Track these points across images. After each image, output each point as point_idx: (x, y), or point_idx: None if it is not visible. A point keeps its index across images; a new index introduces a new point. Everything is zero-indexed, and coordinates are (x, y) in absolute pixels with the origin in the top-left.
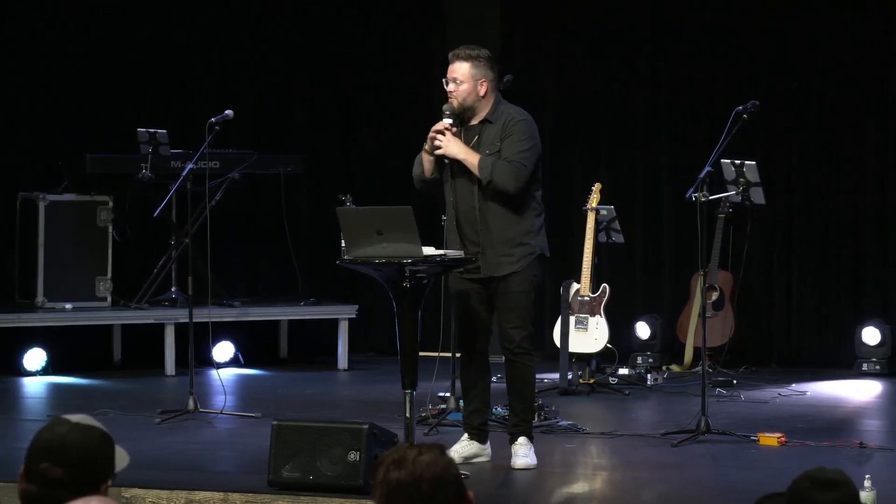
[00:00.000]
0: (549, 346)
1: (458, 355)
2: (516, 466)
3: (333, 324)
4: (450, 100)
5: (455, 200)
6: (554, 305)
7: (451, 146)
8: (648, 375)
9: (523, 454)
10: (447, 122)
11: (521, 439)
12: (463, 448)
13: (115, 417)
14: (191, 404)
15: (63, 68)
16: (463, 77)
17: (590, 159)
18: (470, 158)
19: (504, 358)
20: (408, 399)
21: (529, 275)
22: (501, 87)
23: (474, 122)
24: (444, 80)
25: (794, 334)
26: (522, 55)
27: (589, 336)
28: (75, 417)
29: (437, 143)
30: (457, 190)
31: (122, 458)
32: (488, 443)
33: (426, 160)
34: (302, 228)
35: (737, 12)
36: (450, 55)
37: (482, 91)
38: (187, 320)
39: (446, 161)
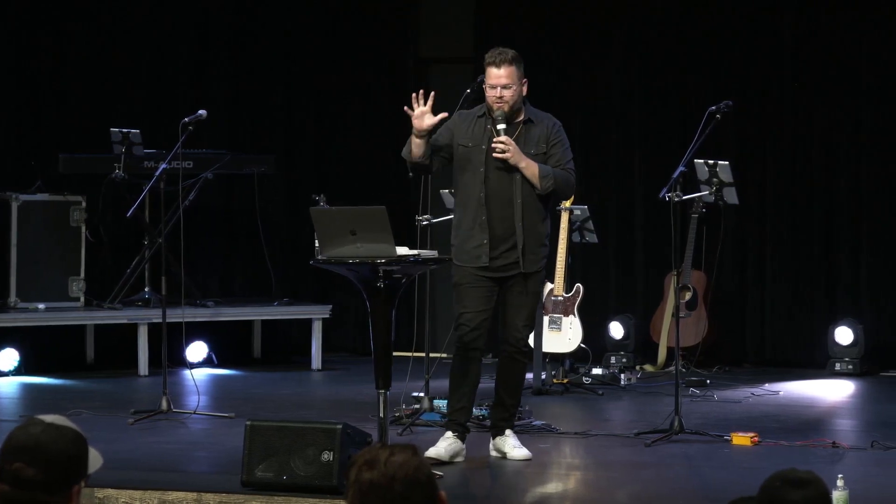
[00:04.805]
0: None
1: (443, 354)
2: (518, 457)
3: (307, 324)
4: (499, 106)
5: (486, 196)
6: None
7: (515, 155)
8: (622, 375)
9: (520, 445)
10: (504, 137)
11: (509, 431)
12: (449, 445)
13: (89, 418)
14: (164, 404)
15: (36, 68)
16: (512, 80)
17: None
18: (531, 168)
19: (503, 355)
20: (381, 399)
21: (543, 276)
22: (475, 87)
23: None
24: (484, 86)
25: (767, 334)
26: None
27: (562, 336)
28: (49, 418)
29: (502, 152)
30: (489, 186)
31: (95, 460)
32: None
33: (416, 143)
34: (276, 228)
35: (710, 12)
36: (492, 59)
37: (525, 91)
38: (160, 320)
39: (468, 151)
